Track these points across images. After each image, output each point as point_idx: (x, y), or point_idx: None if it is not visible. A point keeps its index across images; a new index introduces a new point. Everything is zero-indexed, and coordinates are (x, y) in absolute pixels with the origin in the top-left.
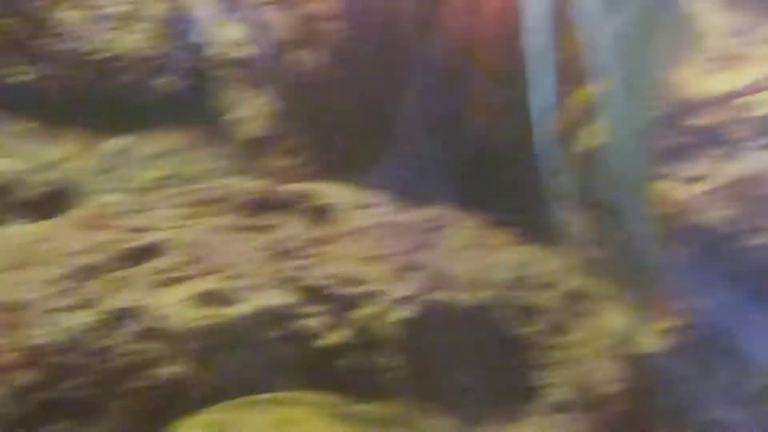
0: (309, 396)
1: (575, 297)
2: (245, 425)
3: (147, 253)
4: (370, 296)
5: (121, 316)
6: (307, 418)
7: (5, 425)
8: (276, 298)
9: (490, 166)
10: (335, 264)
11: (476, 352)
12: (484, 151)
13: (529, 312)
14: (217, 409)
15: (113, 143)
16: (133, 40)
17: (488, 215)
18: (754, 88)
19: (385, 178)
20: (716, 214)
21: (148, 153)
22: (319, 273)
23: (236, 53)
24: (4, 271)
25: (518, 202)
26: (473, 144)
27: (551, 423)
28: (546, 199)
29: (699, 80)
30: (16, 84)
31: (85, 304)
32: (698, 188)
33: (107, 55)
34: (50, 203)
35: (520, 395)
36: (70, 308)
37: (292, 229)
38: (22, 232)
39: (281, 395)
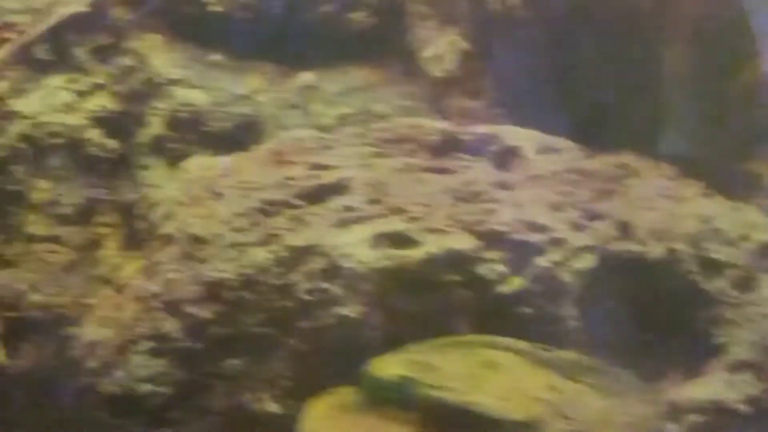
0: (507, 340)
1: (765, 252)
2: (447, 366)
3: (331, 190)
4: (552, 244)
5: (302, 254)
6: (508, 362)
7: (183, 359)
8: (457, 242)
9: (682, 116)
10: (519, 209)
11: (658, 305)
12: (677, 101)
13: (715, 266)
14: (415, 349)
15: (303, 78)
16: None
17: (677, 165)
18: None
19: (572, 124)
20: None
21: (337, 89)
22: (501, 218)
23: None
24: (189, 203)
25: (709, 152)
26: (665, 93)
27: (731, 382)
28: (739, 150)
29: None
30: (209, 14)
31: (267, 241)
32: None
33: None
34: (237, 137)
35: (700, 351)
36: (252, 244)
37: (476, 172)
38: (208, 164)
39: (479, 338)
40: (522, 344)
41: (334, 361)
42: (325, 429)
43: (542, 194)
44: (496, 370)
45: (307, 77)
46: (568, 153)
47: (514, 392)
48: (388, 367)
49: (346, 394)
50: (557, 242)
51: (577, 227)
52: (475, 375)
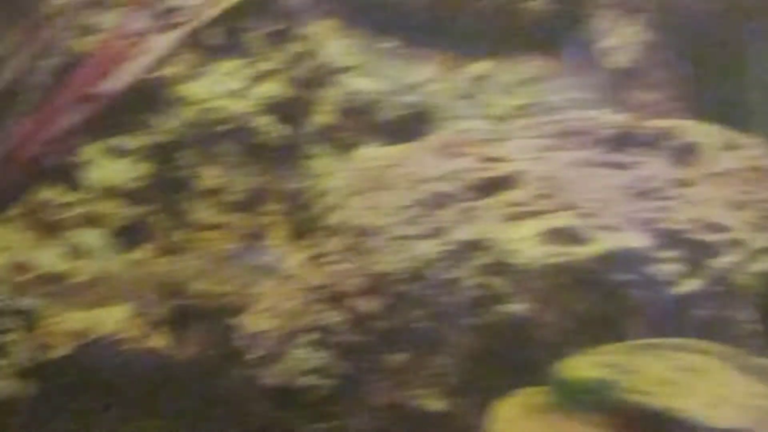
0: (704, 344)
1: None
2: (645, 369)
3: (501, 184)
4: (731, 244)
5: (469, 248)
6: (707, 367)
7: (345, 352)
8: (631, 240)
9: None
10: (697, 208)
11: None
12: None
13: None
14: (606, 350)
15: (476, 68)
16: None
17: None
18: None
19: (756, 119)
20: None
21: (510, 79)
22: (679, 216)
23: None
24: (356, 194)
25: None
26: None
27: None
28: None
29: None
30: (384, 1)
31: (434, 234)
32: None
33: None
34: (408, 126)
35: None
36: (419, 237)
37: (653, 167)
38: (377, 154)
39: (674, 341)
40: (721, 348)
41: (502, 359)
42: (515, 431)
43: (722, 192)
44: (698, 375)
45: (480, 66)
46: (750, 150)
47: (719, 399)
48: (582, 368)
49: (534, 394)
50: (736, 243)
51: (757, 227)
52: (676, 379)
